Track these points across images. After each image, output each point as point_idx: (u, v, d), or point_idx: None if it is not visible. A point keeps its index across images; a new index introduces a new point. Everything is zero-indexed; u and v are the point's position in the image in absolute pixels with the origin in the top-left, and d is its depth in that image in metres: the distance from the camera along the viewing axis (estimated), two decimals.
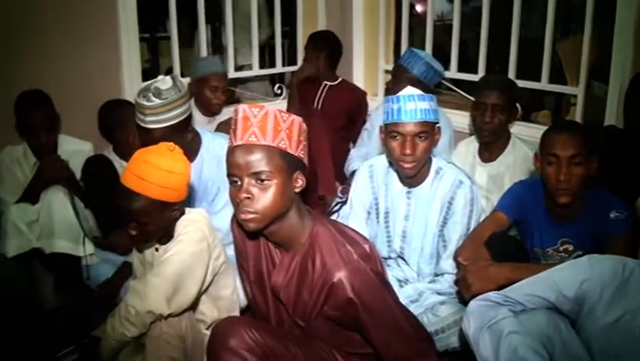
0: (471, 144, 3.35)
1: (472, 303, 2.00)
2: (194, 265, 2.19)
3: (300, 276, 1.94)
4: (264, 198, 1.79)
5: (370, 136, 3.80)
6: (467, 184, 2.55)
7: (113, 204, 2.13)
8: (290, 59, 4.78)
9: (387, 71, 4.59)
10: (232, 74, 4.18)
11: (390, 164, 2.67)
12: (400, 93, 2.49)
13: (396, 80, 3.47)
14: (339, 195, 3.57)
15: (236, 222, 1.99)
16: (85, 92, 3.44)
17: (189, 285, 2.18)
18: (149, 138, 2.52)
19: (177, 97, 2.54)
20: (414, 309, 2.44)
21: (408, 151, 2.44)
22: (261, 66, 4.57)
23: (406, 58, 3.57)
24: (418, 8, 6.44)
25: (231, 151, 1.81)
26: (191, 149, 2.74)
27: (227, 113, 3.71)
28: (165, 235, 2.24)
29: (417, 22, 5.95)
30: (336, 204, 3.51)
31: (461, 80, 4.19)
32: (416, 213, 2.65)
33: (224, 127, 3.35)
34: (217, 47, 5.40)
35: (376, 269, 1.91)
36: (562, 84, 3.93)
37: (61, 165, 2.97)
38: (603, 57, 3.45)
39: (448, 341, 2.45)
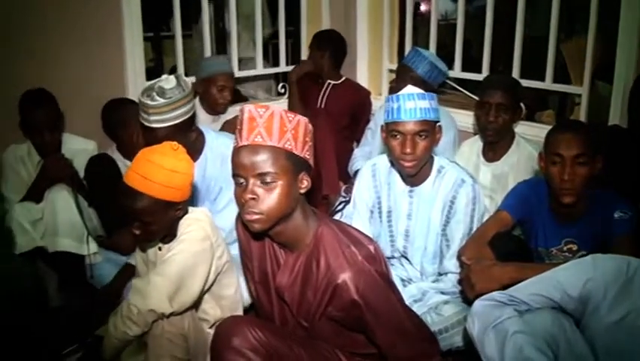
0: (475, 144, 3.35)
1: (477, 303, 2.00)
2: (196, 264, 2.19)
3: (305, 276, 1.94)
4: (269, 199, 1.79)
5: (374, 135, 3.80)
6: (469, 183, 2.54)
7: (116, 203, 2.13)
8: (294, 58, 4.78)
9: (391, 71, 4.57)
10: (236, 72, 4.17)
11: (392, 163, 2.67)
12: (400, 92, 2.49)
13: (401, 80, 3.47)
14: (343, 194, 3.57)
15: (241, 222, 1.99)
16: (89, 91, 3.44)
17: (191, 284, 2.18)
18: (153, 137, 2.52)
19: (181, 96, 2.54)
20: (417, 308, 2.45)
21: (408, 150, 2.44)
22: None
23: (410, 57, 3.57)
24: (422, 8, 6.44)
25: (237, 151, 1.81)
26: (195, 148, 2.74)
27: (231, 111, 3.71)
28: (168, 234, 2.25)
29: (421, 21, 5.95)
30: (339, 204, 3.51)
31: (465, 79, 4.18)
32: (418, 212, 2.65)
33: (230, 126, 3.35)
34: (220, 40, 5.39)
35: (381, 270, 1.90)
36: (566, 84, 3.92)
37: (65, 163, 2.97)
38: (607, 57, 3.44)
39: (451, 341, 2.45)
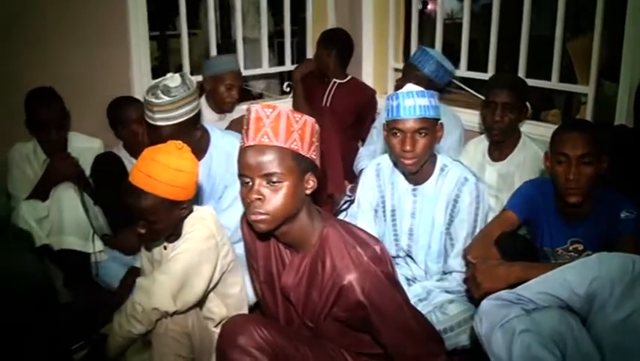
0: (480, 143, 3.34)
1: (484, 302, 2.00)
2: (201, 262, 2.20)
3: (310, 277, 1.94)
4: (274, 199, 1.78)
5: (379, 134, 3.78)
6: (472, 181, 2.54)
7: (121, 202, 2.13)
8: (299, 57, 4.78)
9: (396, 70, 4.58)
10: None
11: (395, 163, 2.67)
12: (399, 90, 2.49)
13: (406, 79, 3.46)
14: (348, 193, 3.57)
15: (247, 222, 1.98)
16: (95, 89, 3.45)
17: (196, 282, 2.18)
18: (158, 135, 2.53)
19: (186, 94, 2.54)
20: (422, 307, 2.45)
21: (408, 147, 2.44)
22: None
23: (417, 56, 3.57)
24: (428, 7, 6.43)
25: (243, 151, 1.81)
26: (200, 146, 2.74)
27: (238, 110, 3.72)
28: (174, 233, 2.25)
29: (426, 20, 5.94)
30: (344, 203, 3.51)
31: (471, 78, 4.17)
32: (422, 211, 2.65)
33: (237, 125, 3.36)
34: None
35: (386, 271, 1.90)
36: (572, 83, 3.91)
37: (71, 162, 2.98)
38: (613, 56, 3.43)
39: (457, 340, 2.45)
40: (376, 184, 2.77)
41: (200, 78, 3.72)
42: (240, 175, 1.82)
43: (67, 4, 3.36)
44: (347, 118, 4.12)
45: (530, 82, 3.50)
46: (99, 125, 3.34)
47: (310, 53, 4.61)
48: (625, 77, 3.21)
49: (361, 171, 3.52)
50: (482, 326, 1.94)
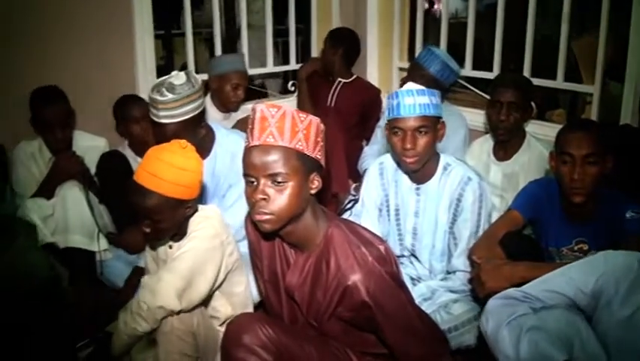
0: (485, 143, 3.34)
1: (491, 301, 1.99)
2: (206, 261, 2.20)
3: (315, 276, 1.94)
4: (279, 199, 1.78)
5: (384, 134, 3.80)
6: (475, 180, 2.54)
7: (126, 201, 2.14)
8: (303, 56, 4.79)
9: (401, 69, 4.58)
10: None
11: (398, 163, 2.67)
12: (399, 89, 2.50)
13: (412, 78, 3.44)
14: (353, 192, 3.57)
15: (251, 221, 1.98)
16: (100, 88, 3.46)
17: (201, 281, 2.19)
18: (162, 132, 2.54)
19: (191, 92, 2.55)
20: (427, 307, 2.45)
21: (408, 145, 2.44)
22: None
23: (422, 56, 3.56)
24: (432, 6, 6.43)
25: (248, 151, 1.80)
26: (205, 145, 2.75)
27: (243, 109, 3.72)
28: (179, 232, 2.25)
29: (431, 20, 5.94)
30: (348, 202, 3.51)
31: (476, 77, 4.17)
32: (425, 210, 2.65)
33: (243, 125, 3.36)
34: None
35: (391, 271, 1.89)
36: (577, 83, 3.90)
37: (76, 160, 2.98)
38: (619, 56, 3.42)
39: (461, 339, 2.45)
40: (380, 183, 2.77)
41: (205, 77, 3.72)
42: (245, 175, 1.81)
43: (73, 3, 3.36)
44: (351, 117, 4.12)
45: (535, 81, 3.49)
46: (104, 124, 3.35)
47: (315, 52, 4.61)
48: (630, 77, 3.21)
49: (365, 170, 3.52)
50: (489, 324, 1.94)
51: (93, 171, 3.10)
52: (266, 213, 1.79)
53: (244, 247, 2.32)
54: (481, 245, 2.45)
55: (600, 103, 3.52)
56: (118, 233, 3.11)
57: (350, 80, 4.19)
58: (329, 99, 4.15)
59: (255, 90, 4.69)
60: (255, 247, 2.12)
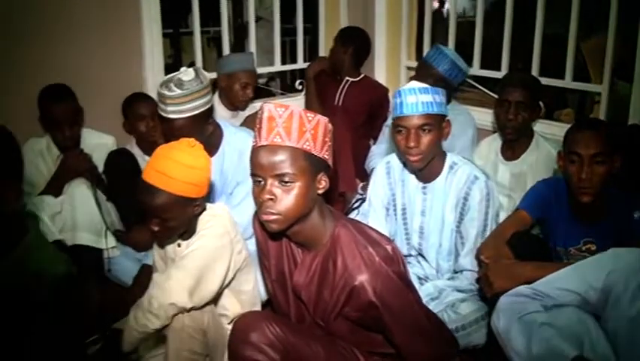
0: (493, 142, 3.34)
1: (503, 298, 2.00)
2: (216, 259, 2.21)
3: (322, 276, 1.94)
4: (286, 199, 1.78)
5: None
6: (482, 179, 2.54)
7: (135, 199, 2.14)
8: (311, 55, 4.78)
9: (409, 68, 4.57)
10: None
11: (405, 163, 2.67)
12: (402, 87, 2.50)
13: (420, 77, 3.44)
14: (360, 191, 3.57)
15: (258, 221, 1.99)
16: (108, 86, 3.47)
17: (211, 279, 2.19)
18: (170, 128, 2.55)
19: (198, 88, 2.56)
20: (434, 306, 2.45)
21: (412, 144, 2.44)
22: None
23: (431, 55, 3.55)
24: (440, 5, 6.42)
25: (255, 151, 1.80)
26: (213, 142, 2.76)
27: (250, 107, 3.73)
28: (187, 230, 2.26)
29: (438, 19, 5.93)
30: (356, 201, 3.51)
31: (484, 76, 4.16)
32: (432, 209, 2.65)
33: (251, 122, 3.36)
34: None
35: (398, 271, 1.89)
36: (585, 82, 3.89)
37: (84, 158, 3.00)
38: (627, 55, 3.41)
39: (469, 339, 2.44)
40: (387, 182, 2.77)
41: (213, 75, 3.72)
42: (252, 175, 1.81)
43: (81, 2, 3.37)
44: (359, 116, 4.11)
45: (544, 81, 3.48)
46: (112, 122, 3.36)
47: (322, 51, 4.61)
48: (638, 76, 3.20)
49: (373, 169, 3.53)
50: (500, 321, 1.94)
51: (101, 168, 3.11)
52: (273, 214, 1.79)
53: (252, 245, 2.32)
54: (489, 245, 2.45)
55: (608, 102, 3.51)
56: (125, 231, 3.12)
57: (358, 79, 4.19)
58: (336, 98, 4.15)
59: (261, 89, 4.70)
60: (263, 246, 2.12)
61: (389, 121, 3.89)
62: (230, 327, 2.17)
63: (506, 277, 2.19)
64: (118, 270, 3.00)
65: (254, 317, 2.07)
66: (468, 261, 2.55)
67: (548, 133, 3.35)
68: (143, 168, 2.17)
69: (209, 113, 2.68)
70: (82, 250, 2.88)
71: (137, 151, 3.27)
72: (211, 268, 2.19)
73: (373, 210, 2.81)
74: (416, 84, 2.49)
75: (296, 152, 1.77)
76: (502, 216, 2.72)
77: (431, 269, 2.74)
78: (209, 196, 2.41)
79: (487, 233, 2.54)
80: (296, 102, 4.30)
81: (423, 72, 3.49)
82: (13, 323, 1.75)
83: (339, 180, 3.54)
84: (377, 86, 4.32)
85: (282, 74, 5.91)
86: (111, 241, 2.96)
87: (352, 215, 3.31)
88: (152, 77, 3.63)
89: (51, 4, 3.27)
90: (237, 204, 2.83)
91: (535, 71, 3.70)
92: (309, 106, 4.14)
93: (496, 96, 3.32)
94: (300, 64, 4.61)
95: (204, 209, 2.27)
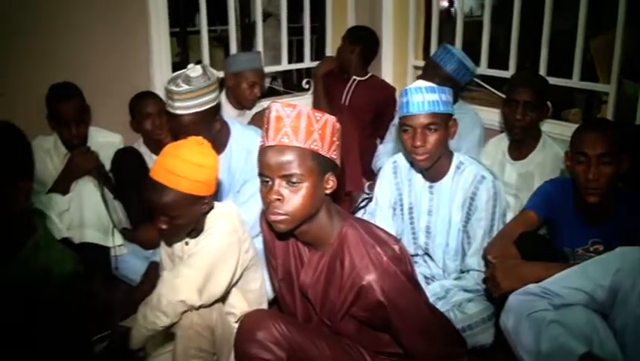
0: (501, 142, 3.33)
1: (512, 297, 2.00)
2: (224, 257, 2.21)
3: (329, 275, 1.94)
4: (294, 200, 1.78)
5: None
6: (489, 179, 2.53)
7: (142, 198, 2.15)
8: (318, 54, 4.78)
9: (416, 67, 4.57)
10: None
11: (412, 163, 2.67)
12: (408, 86, 2.49)
13: (427, 76, 3.44)
14: (366, 191, 3.57)
15: (266, 220, 1.98)
16: (115, 85, 3.48)
17: (220, 277, 2.19)
18: (177, 124, 2.57)
19: (206, 84, 2.58)
20: (441, 306, 2.45)
21: (418, 143, 2.44)
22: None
23: (439, 54, 3.55)
24: (447, 5, 6.42)
25: (263, 151, 1.80)
26: (220, 140, 2.76)
27: (257, 106, 3.73)
28: (195, 228, 2.26)
29: (445, 18, 5.92)
30: (362, 200, 3.51)
31: (491, 76, 4.15)
32: (439, 209, 2.65)
33: (259, 118, 3.37)
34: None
35: (406, 270, 1.88)
36: (593, 82, 3.87)
37: (91, 156, 3.01)
38: (635, 54, 3.40)
39: (475, 339, 2.44)
40: (394, 182, 2.77)
41: (220, 74, 3.73)
42: (260, 175, 1.81)
43: (90, 1, 3.38)
44: (366, 115, 4.11)
45: (551, 80, 3.47)
46: (120, 121, 3.38)
47: (329, 51, 4.61)
48: None
49: (379, 169, 3.52)
50: (510, 319, 1.94)
51: (108, 167, 3.12)
52: (280, 214, 1.79)
53: (259, 243, 2.33)
54: (496, 245, 2.45)
55: (616, 102, 3.49)
56: (133, 229, 3.13)
57: (365, 78, 4.19)
58: (343, 97, 4.15)
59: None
60: (270, 245, 2.13)
61: (396, 120, 3.89)
62: (237, 325, 2.17)
63: (513, 277, 2.19)
64: (125, 268, 3.01)
65: (260, 315, 2.08)
66: (475, 261, 2.55)
67: (556, 133, 3.34)
68: (150, 166, 2.18)
69: (216, 110, 2.69)
70: (89, 248, 2.89)
71: (144, 149, 3.28)
72: (219, 267, 2.19)
73: (380, 210, 2.81)
74: (422, 83, 2.48)
75: (304, 152, 1.77)
76: (509, 216, 2.71)
77: (438, 269, 2.74)
78: (217, 194, 2.41)
79: (494, 233, 2.54)
80: (303, 101, 4.30)
81: (430, 71, 3.49)
82: (22, 321, 1.75)
83: (345, 179, 3.54)
84: (384, 85, 4.32)
85: (288, 73, 5.92)
86: (118, 239, 2.97)
87: (359, 214, 3.31)
88: (160, 76, 3.64)
89: (59, 3, 3.28)
90: (244, 202, 2.83)
91: (542, 71, 3.69)
92: (316, 105, 4.13)
93: (503, 96, 3.31)
94: (307, 63, 4.61)
95: (212, 207, 2.27)
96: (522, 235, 2.44)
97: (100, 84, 3.38)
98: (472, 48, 4.09)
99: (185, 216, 2.13)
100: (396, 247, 1.90)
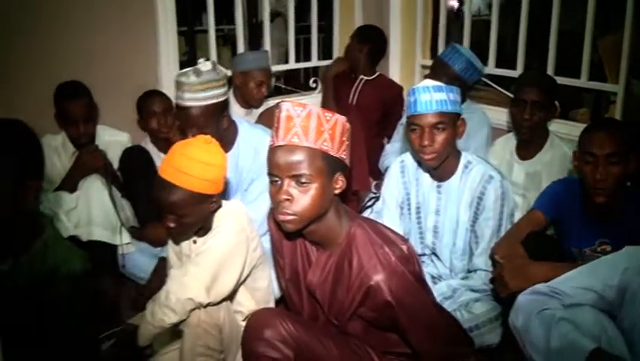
0: (508, 141, 3.32)
1: (521, 297, 1.99)
2: (232, 255, 2.21)
3: (336, 275, 1.93)
4: (303, 200, 1.78)
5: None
6: (497, 179, 2.53)
7: (150, 196, 2.15)
8: (325, 53, 4.78)
9: (424, 67, 4.56)
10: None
11: (419, 162, 2.66)
12: (416, 85, 2.49)
13: (435, 75, 3.43)
14: (373, 190, 3.56)
15: (274, 219, 1.98)
16: (123, 84, 3.49)
17: (228, 275, 2.20)
18: (187, 118, 2.59)
19: (215, 78, 2.61)
20: (448, 306, 2.44)
21: (426, 142, 2.43)
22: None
23: (447, 53, 3.54)
24: (454, 4, 6.40)
25: (273, 150, 1.80)
26: (228, 137, 2.77)
27: (264, 105, 3.73)
28: (203, 227, 2.26)
29: (453, 17, 5.91)
30: (369, 200, 3.51)
31: (499, 75, 4.14)
32: (446, 208, 2.64)
33: (266, 117, 3.37)
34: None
35: (414, 270, 1.88)
36: (601, 81, 3.86)
37: (99, 155, 3.02)
38: None
39: (482, 339, 2.44)
40: (401, 181, 2.77)
41: (229, 73, 3.73)
42: (269, 174, 1.81)
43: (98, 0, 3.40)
44: (373, 115, 4.10)
45: (559, 80, 3.45)
46: (127, 119, 3.39)
47: (337, 50, 4.60)
48: None
49: (387, 168, 3.52)
50: (519, 318, 1.94)
51: (116, 165, 3.13)
52: (289, 214, 1.79)
53: (266, 242, 2.33)
54: (504, 245, 2.44)
55: (624, 102, 3.48)
56: (140, 227, 3.14)
57: (372, 77, 4.18)
58: (351, 97, 4.14)
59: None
60: (277, 244, 2.13)
61: (403, 119, 3.89)
62: (244, 324, 2.18)
63: (521, 277, 2.19)
64: (132, 266, 3.02)
65: (268, 314, 2.08)
66: (482, 260, 2.55)
67: (564, 133, 3.33)
68: (157, 165, 2.18)
69: (224, 105, 2.71)
70: (96, 246, 2.90)
71: (151, 148, 3.29)
72: (227, 265, 2.19)
73: (387, 209, 2.81)
74: (430, 82, 2.48)
75: (313, 152, 1.77)
76: (517, 216, 2.71)
77: (445, 268, 2.73)
78: (225, 193, 2.42)
79: (502, 233, 2.53)
80: (310, 100, 4.30)
81: (438, 71, 3.48)
82: (31, 320, 1.76)
83: (352, 178, 3.54)
84: (391, 84, 4.31)
85: (295, 72, 5.91)
86: (126, 238, 2.99)
87: (365, 214, 3.30)
88: (167, 75, 3.65)
89: (70, 4, 3.30)
90: (252, 201, 2.83)
91: (550, 71, 3.68)
92: (325, 106, 4.13)
93: (511, 95, 3.30)
94: (315, 62, 4.61)
95: (220, 206, 2.27)
96: (529, 235, 2.43)
97: (108, 83, 3.39)
98: (479, 47, 4.08)
99: (193, 215, 2.13)
100: (404, 247, 1.90)
